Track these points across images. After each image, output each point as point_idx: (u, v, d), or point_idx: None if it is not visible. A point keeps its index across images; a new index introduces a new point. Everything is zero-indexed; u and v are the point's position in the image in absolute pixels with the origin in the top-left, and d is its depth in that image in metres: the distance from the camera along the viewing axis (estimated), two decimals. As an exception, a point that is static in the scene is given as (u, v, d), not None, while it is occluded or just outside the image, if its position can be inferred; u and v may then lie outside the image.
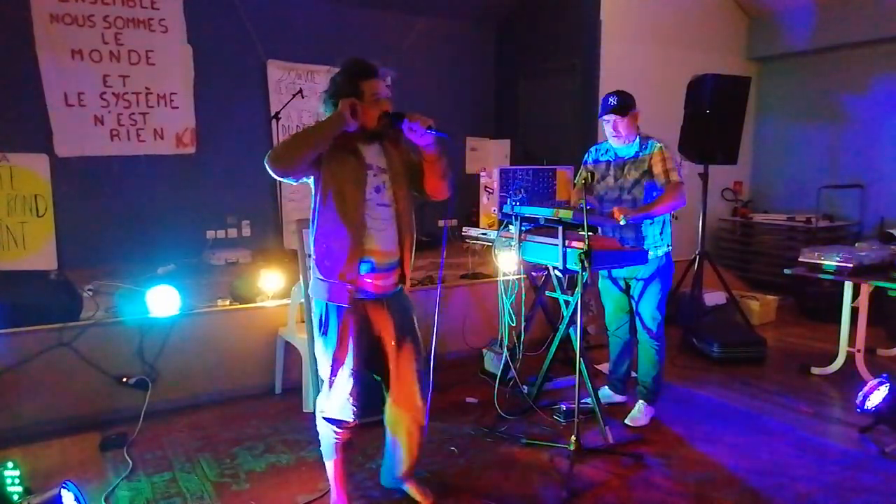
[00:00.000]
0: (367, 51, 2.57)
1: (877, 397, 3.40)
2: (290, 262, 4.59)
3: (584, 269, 2.83)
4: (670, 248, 3.43)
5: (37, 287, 3.91)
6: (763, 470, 3.00)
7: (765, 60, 6.88)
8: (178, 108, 5.66)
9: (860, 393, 3.48)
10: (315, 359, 2.70)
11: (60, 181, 5.18)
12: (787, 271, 4.35)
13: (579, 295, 2.97)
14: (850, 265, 3.95)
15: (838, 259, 4.00)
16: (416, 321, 2.59)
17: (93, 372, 3.47)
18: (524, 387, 3.71)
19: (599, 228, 3.28)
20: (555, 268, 3.31)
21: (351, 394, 2.44)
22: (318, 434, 2.58)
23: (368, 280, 2.41)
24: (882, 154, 6.03)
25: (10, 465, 2.48)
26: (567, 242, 3.05)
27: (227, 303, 4.04)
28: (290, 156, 2.29)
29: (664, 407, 3.63)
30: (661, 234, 3.39)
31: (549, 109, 6.67)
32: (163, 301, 3.70)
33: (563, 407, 3.51)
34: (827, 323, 4.95)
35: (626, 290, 3.52)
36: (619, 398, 3.75)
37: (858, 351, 4.08)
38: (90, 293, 4.21)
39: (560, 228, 3.05)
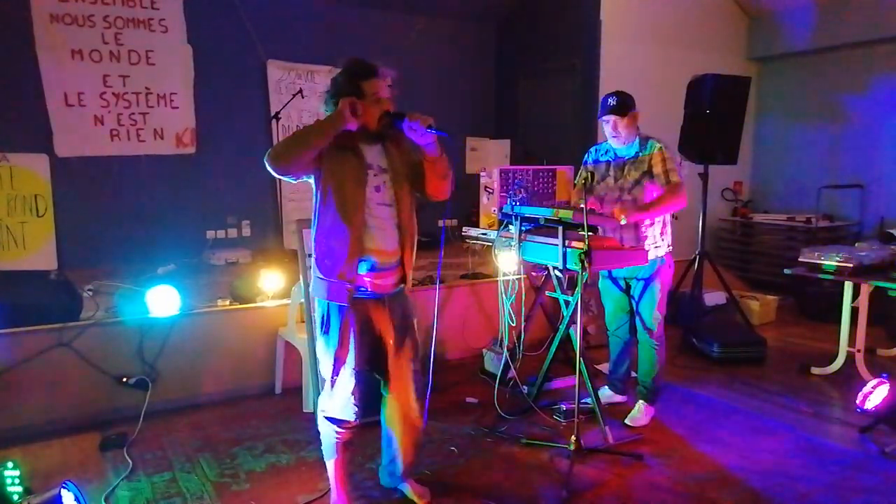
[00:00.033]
0: (367, 51, 2.57)
1: (877, 397, 3.41)
2: (290, 262, 4.59)
3: (584, 269, 2.83)
4: (670, 248, 3.43)
5: (37, 287, 3.91)
6: (763, 470, 3.00)
7: (765, 60, 6.88)
8: (178, 108, 5.67)
9: (860, 393, 3.49)
10: (315, 359, 2.71)
11: (60, 181, 5.19)
12: (787, 271, 4.35)
13: (579, 295, 2.97)
14: (850, 265, 3.95)
15: (838, 259, 4.00)
16: (415, 322, 2.60)
17: (93, 372, 3.47)
18: (524, 387, 3.71)
19: (599, 228, 3.28)
20: (555, 268, 3.31)
21: (353, 393, 2.44)
22: (318, 434, 2.59)
23: (368, 279, 2.41)
24: (882, 154, 6.03)
25: (10, 465, 2.48)
26: (567, 242, 3.05)
27: (227, 303, 4.04)
28: (289, 154, 2.30)
29: (664, 407, 3.63)
30: (661, 234, 3.39)
31: (549, 109, 6.68)
32: (163, 301, 3.70)
33: (563, 407, 3.52)
34: (827, 323, 4.95)
35: (627, 290, 3.51)
36: (619, 398, 3.75)
37: (858, 351, 4.08)
38: (90, 293, 4.20)
39: (560, 228, 3.05)
